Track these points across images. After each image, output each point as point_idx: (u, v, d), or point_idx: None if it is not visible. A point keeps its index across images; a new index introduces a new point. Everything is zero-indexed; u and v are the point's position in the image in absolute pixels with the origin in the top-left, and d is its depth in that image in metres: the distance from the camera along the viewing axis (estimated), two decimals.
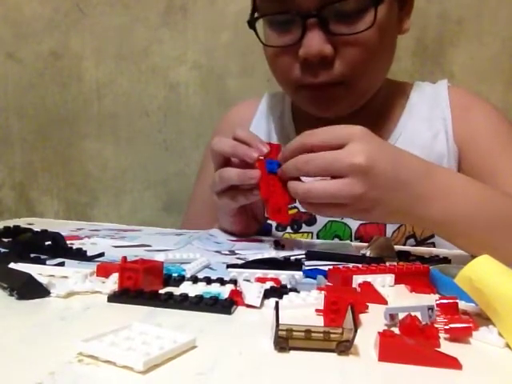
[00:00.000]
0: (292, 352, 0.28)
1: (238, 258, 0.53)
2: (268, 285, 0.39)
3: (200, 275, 0.42)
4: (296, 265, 0.48)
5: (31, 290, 0.37)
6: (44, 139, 1.28)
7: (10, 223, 0.60)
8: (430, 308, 0.32)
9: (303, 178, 0.54)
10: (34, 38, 1.24)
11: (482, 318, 0.34)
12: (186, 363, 0.27)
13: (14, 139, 1.29)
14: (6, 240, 0.54)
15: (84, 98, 1.24)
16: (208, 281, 0.41)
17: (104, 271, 0.42)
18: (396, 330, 0.31)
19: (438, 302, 0.34)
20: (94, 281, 0.40)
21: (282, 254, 0.52)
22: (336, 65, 0.64)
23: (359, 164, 0.49)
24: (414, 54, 1.07)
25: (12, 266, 0.41)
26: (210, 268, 0.48)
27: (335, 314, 0.33)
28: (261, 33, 0.69)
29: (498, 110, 0.75)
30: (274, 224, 0.75)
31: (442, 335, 0.31)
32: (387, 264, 0.47)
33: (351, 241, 0.71)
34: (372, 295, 0.39)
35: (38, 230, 0.56)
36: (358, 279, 0.42)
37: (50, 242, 0.52)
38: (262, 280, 0.41)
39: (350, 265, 0.46)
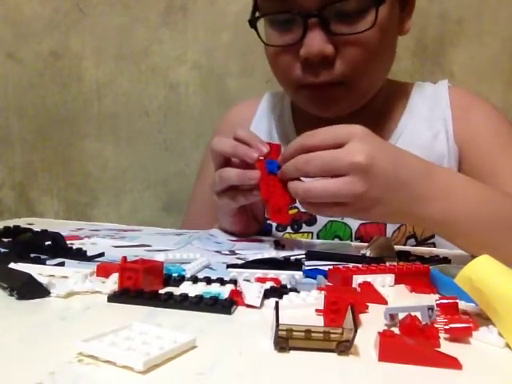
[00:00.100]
0: (292, 352, 0.28)
1: (238, 258, 0.53)
2: (268, 285, 0.39)
3: (200, 275, 0.42)
4: (296, 265, 0.48)
5: (31, 290, 0.37)
6: (44, 139, 1.28)
7: (10, 223, 0.60)
8: (430, 308, 0.32)
9: (303, 179, 0.54)
10: (34, 38, 1.24)
11: (482, 318, 0.34)
12: (185, 363, 0.27)
13: (14, 139, 1.29)
14: (6, 240, 0.54)
15: (84, 97, 1.24)
16: (208, 281, 0.41)
17: (104, 271, 0.42)
18: (396, 330, 0.31)
19: (437, 302, 0.34)
20: (93, 281, 0.40)
21: (281, 254, 0.52)
22: (337, 65, 0.64)
23: (359, 162, 0.49)
24: (414, 54, 1.07)
25: (12, 265, 0.41)
26: (210, 268, 0.48)
27: (335, 314, 0.33)
28: (262, 32, 0.69)
29: (498, 110, 0.75)
30: (274, 224, 0.75)
31: (442, 335, 0.31)
32: (387, 264, 0.47)
33: (351, 241, 0.71)
34: (372, 295, 0.39)
35: (38, 229, 0.56)
36: (358, 279, 0.42)
37: (50, 242, 0.52)
38: (262, 280, 0.41)
39: (350, 265, 0.46)
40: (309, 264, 0.50)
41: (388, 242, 0.57)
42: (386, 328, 0.32)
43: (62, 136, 1.27)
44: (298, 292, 0.39)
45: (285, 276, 0.43)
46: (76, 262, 0.48)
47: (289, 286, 0.40)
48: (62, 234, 0.54)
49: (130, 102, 1.22)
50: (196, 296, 0.36)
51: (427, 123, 0.74)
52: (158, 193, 1.24)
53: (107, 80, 1.22)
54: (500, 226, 0.53)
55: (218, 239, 0.65)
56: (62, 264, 0.47)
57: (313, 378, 0.26)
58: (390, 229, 0.70)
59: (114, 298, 0.37)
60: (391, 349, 0.28)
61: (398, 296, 0.41)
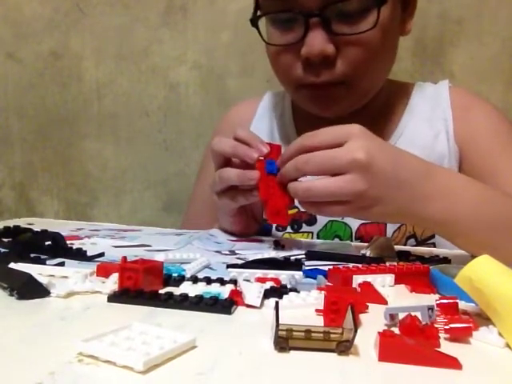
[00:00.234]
0: (292, 352, 0.28)
1: (238, 258, 0.53)
2: (268, 285, 0.39)
3: (200, 275, 0.42)
4: (296, 265, 0.48)
5: (31, 289, 0.37)
6: (44, 139, 1.28)
7: (10, 223, 0.60)
8: (430, 308, 0.32)
9: (302, 179, 0.54)
10: (34, 38, 1.24)
11: (482, 318, 0.34)
12: (185, 363, 0.27)
13: (14, 139, 1.29)
14: (6, 240, 0.54)
15: (84, 97, 1.24)
16: (208, 281, 0.41)
17: (104, 271, 0.42)
18: (396, 330, 0.31)
19: (438, 302, 0.34)
20: (93, 281, 0.40)
21: (281, 254, 0.52)
22: (338, 64, 0.64)
23: (360, 160, 0.49)
24: (414, 54, 1.07)
25: (12, 265, 0.41)
26: (210, 268, 0.48)
27: (335, 314, 0.33)
28: (263, 31, 0.69)
29: (498, 110, 0.75)
30: (274, 224, 0.75)
31: (442, 335, 0.31)
32: (387, 264, 0.47)
33: (351, 241, 0.71)
34: (372, 295, 0.39)
35: (38, 229, 0.56)
36: (358, 279, 0.42)
37: (50, 242, 0.52)
38: (262, 280, 0.41)
39: (350, 265, 0.46)
40: (309, 264, 0.50)
41: (388, 242, 0.57)
42: (385, 328, 0.32)
43: (62, 136, 1.27)
44: (298, 292, 0.39)
45: (285, 276, 0.43)
46: (76, 262, 0.48)
47: (289, 286, 0.40)
48: (62, 233, 0.54)
49: (129, 102, 1.22)
50: (196, 296, 0.36)
51: (428, 123, 0.74)
52: (158, 193, 1.24)
53: (107, 80, 1.22)
54: (500, 226, 0.53)
55: (218, 239, 0.65)
56: (62, 264, 0.47)
57: (313, 378, 0.26)
58: (391, 229, 0.70)
59: (114, 298, 0.37)
60: (391, 349, 0.28)
61: (398, 296, 0.41)
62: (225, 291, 0.38)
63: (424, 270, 0.44)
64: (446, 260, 0.53)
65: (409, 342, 0.29)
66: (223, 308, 0.35)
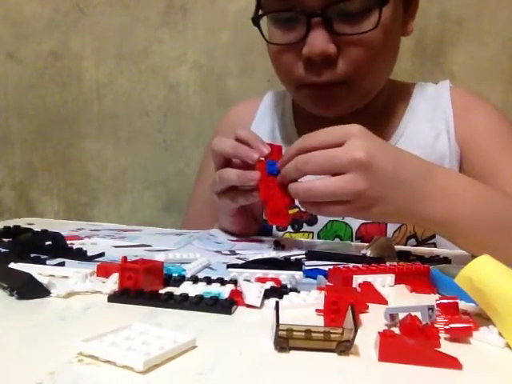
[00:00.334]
0: (292, 352, 0.28)
1: (238, 258, 0.53)
2: (268, 285, 0.39)
3: (200, 275, 0.42)
4: (296, 265, 0.48)
5: (31, 289, 0.37)
6: (44, 139, 1.28)
7: (10, 223, 0.60)
8: (430, 308, 0.32)
9: (302, 179, 0.54)
10: (34, 38, 1.24)
11: (482, 318, 0.34)
12: (185, 363, 0.27)
13: (14, 139, 1.29)
14: (6, 240, 0.54)
15: (84, 97, 1.24)
16: (208, 281, 0.41)
17: (104, 271, 0.42)
18: (396, 330, 0.31)
19: (438, 301, 0.34)
20: (94, 281, 0.40)
21: (282, 254, 0.52)
22: (339, 64, 0.64)
23: (359, 159, 0.49)
24: (414, 54, 1.07)
25: (12, 265, 0.41)
26: (210, 268, 0.48)
27: (335, 313, 0.33)
28: (264, 30, 0.69)
29: (498, 110, 0.75)
30: (274, 225, 0.74)
31: (442, 335, 0.31)
32: (387, 264, 0.47)
33: (352, 241, 0.71)
34: (372, 295, 0.39)
35: (38, 229, 0.56)
36: (358, 279, 0.42)
37: (50, 242, 0.52)
38: (262, 280, 0.41)
39: (351, 265, 0.46)
40: (309, 264, 0.50)
41: (388, 242, 0.57)
42: (386, 328, 0.32)
43: (62, 136, 1.27)
44: (298, 292, 0.39)
45: (285, 276, 0.43)
46: (76, 262, 0.48)
47: (289, 286, 0.40)
48: (62, 233, 0.54)
49: (129, 102, 1.22)
50: (196, 296, 0.36)
51: (429, 123, 0.74)
52: (158, 193, 1.24)
53: (107, 80, 1.22)
54: (500, 226, 0.53)
55: (218, 239, 0.65)
56: (62, 264, 0.47)
57: (313, 378, 0.26)
58: (391, 229, 0.70)
59: (114, 297, 0.37)
60: (391, 349, 0.28)
61: (398, 296, 0.41)
62: (225, 291, 0.38)
63: (424, 269, 0.44)
64: (446, 260, 0.53)
65: (409, 341, 0.29)
66: (223, 308, 0.35)
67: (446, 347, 0.30)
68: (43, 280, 0.37)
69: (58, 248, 0.52)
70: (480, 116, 0.73)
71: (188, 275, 0.43)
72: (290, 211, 0.56)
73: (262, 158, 0.56)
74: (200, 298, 0.35)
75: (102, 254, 0.51)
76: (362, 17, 0.62)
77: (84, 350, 0.27)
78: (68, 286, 0.38)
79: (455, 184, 0.53)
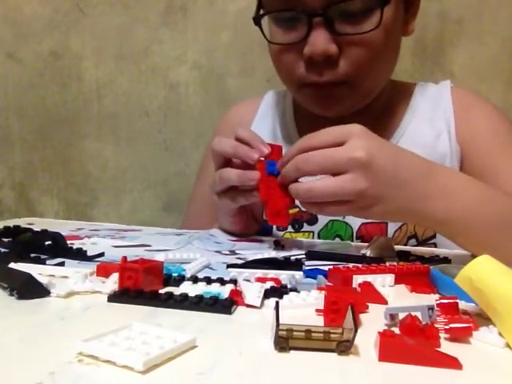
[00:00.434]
0: (292, 352, 0.28)
1: (238, 258, 0.53)
2: (268, 285, 0.39)
3: (200, 275, 0.42)
4: (296, 265, 0.48)
5: (31, 289, 0.37)
6: (44, 139, 1.28)
7: (10, 223, 0.60)
8: (430, 308, 0.32)
9: (303, 179, 0.54)
10: (34, 38, 1.24)
11: (482, 318, 0.34)
12: (186, 363, 0.27)
13: (14, 139, 1.29)
14: (6, 240, 0.54)
15: (84, 97, 1.24)
16: (208, 281, 0.41)
17: (104, 271, 0.42)
18: (396, 330, 0.31)
19: (438, 301, 0.34)
20: (94, 281, 0.40)
21: (282, 254, 0.52)
22: (341, 64, 0.64)
23: (359, 158, 0.49)
24: (414, 54, 1.07)
25: (12, 265, 0.41)
26: (210, 268, 0.48)
27: (335, 313, 0.33)
28: (265, 30, 0.68)
29: (499, 110, 0.75)
30: (274, 225, 0.74)
31: (442, 335, 0.31)
32: (387, 264, 0.47)
33: (352, 240, 0.71)
34: (372, 295, 0.39)
35: (38, 229, 0.56)
36: (358, 279, 0.42)
37: (50, 242, 0.52)
38: (262, 280, 0.41)
39: (350, 265, 0.46)
40: (309, 264, 0.50)
41: (388, 241, 0.57)
42: (386, 328, 0.32)
43: (62, 136, 1.26)
44: (298, 292, 0.39)
45: (285, 276, 0.43)
46: (76, 262, 0.48)
47: (289, 286, 0.40)
48: (62, 233, 0.54)
49: (129, 102, 1.22)
50: (196, 296, 0.36)
51: (429, 123, 0.74)
52: (158, 193, 1.24)
53: (107, 80, 1.22)
54: (501, 226, 0.53)
55: (218, 239, 0.65)
56: (62, 264, 0.47)
57: (313, 378, 0.26)
58: (392, 228, 0.70)
59: (114, 297, 0.37)
60: (391, 349, 0.28)
61: (398, 296, 0.41)
62: (225, 291, 0.38)
63: (424, 269, 0.44)
64: (446, 260, 0.53)
65: (409, 341, 0.29)
66: (223, 308, 0.35)
67: (446, 347, 0.30)
68: (43, 280, 0.37)
69: (57, 248, 0.52)
70: (481, 116, 0.73)
71: (188, 275, 0.43)
72: (291, 211, 0.56)
73: (262, 158, 0.56)
74: (200, 297, 0.35)
75: (101, 254, 0.51)
76: (363, 17, 0.62)
77: (84, 349, 0.27)
78: (68, 285, 0.38)
79: (456, 183, 0.53)
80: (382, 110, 0.75)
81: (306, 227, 0.74)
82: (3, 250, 0.50)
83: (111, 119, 1.23)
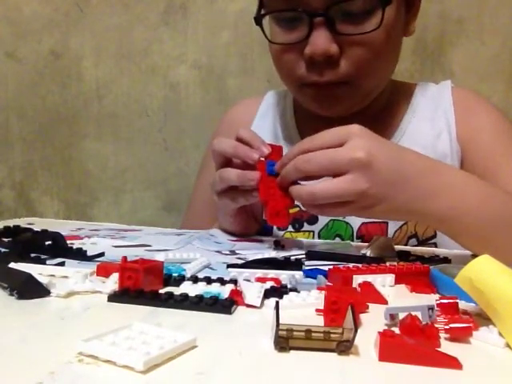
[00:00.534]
0: (292, 352, 0.28)
1: (238, 258, 0.53)
2: (268, 285, 0.39)
3: (200, 275, 0.42)
4: (296, 265, 0.48)
5: (31, 289, 0.37)
6: (44, 139, 1.28)
7: (10, 223, 0.60)
8: (431, 308, 0.32)
9: (303, 183, 0.54)
10: (34, 38, 1.24)
11: (482, 318, 0.34)
12: (186, 363, 0.27)
13: (14, 139, 1.29)
14: (6, 240, 0.54)
15: (84, 97, 1.24)
16: (208, 281, 0.41)
17: (104, 271, 0.42)
18: (396, 330, 0.31)
19: (438, 301, 0.34)
20: (94, 281, 0.40)
21: (282, 254, 0.52)
22: (341, 64, 0.64)
23: (360, 158, 0.49)
24: (414, 54, 1.07)
25: (12, 265, 0.41)
26: (210, 268, 0.48)
27: (335, 313, 0.33)
28: (266, 29, 0.68)
29: (499, 110, 0.75)
30: (273, 225, 0.74)
31: (442, 335, 0.31)
32: (387, 264, 0.47)
33: (353, 240, 0.71)
34: (372, 295, 0.39)
35: (38, 229, 0.56)
36: (358, 279, 0.42)
37: (50, 242, 0.52)
38: (262, 280, 0.41)
39: (351, 265, 0.46)
40: (309, 264, 0.50)
41: (388, 241, 0.57)
42: (386, 328, 0.32)
43: (62, 136, 1.26)
44: (299, 292, 0.39)
45: (285, 276, 0.43)
46: (76, 262, 0.48)
47: (289, 286, 0.40)
48: (62, 233, 0.54)
49: (129, 102, 1.22)
50: (196, 296, 0.36)
51: (430, 123, 0.74)
52: (158, 192, 1.24)
53: (107, 80, 1.22)
54: (501, 224, 0.53)
55: (218, 239, 0.65)
56: (62, 264, 0.47)
57: (313, 378, 0.26)
58: (392, 228, 0.70)
59: (114, 297, 0.37)
60: (391, 349, 0.28)
61: (398, 296, 0.41)
62: (225, 291, 0.38)
63: (424, 269, 0.44)
64: (446, 260, 0.53)
65: (409, 341, 0.29)
66: (223, 308, 0.35)
67: (446, 347, 0.30)
68: (43, 280, 0.37)
69: (57, 248, 0.52)
70: (481, 116, 0.73)
71: (188, 275, 0.43)
72: (291, 210, 0.56)
73: (263, 159, 0.56)
74: (200, 297, 0.35)
75: (101, 254, 0.51)
76: (364, 17, 0.62)
77: (84, 349, 0.27)
78: (68, 285, 0.38)
79: (458, 180, 0.53)
80: (383, 110, 0.75)
81: (306, 227, 0.74)
82: (3, 249, 0.50)
83: (111, 119, 1.23)
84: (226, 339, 0.31)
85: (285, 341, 0.28)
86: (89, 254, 0.50)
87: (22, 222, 0.66)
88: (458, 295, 0.35)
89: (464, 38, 1.05)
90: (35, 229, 0.56)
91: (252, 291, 0.37)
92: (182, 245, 0.60)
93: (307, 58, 0.63)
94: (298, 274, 0.44)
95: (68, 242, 0.54)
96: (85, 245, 0.56)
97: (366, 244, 0.57)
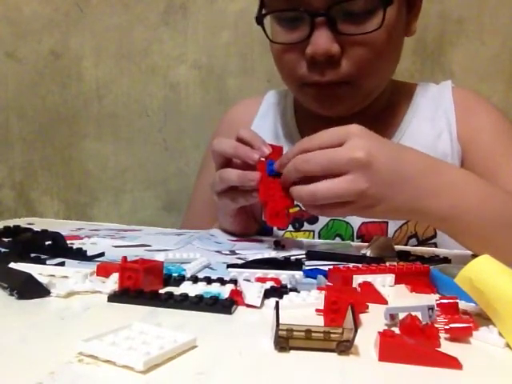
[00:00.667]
0: (292, 352, 0.28)
1: (238, 258, 0.53)
2: (268, 285, 0.39)
3: (200, 275, 0.42)
4: (296, 265, 0.48)
5: (31, 289, 0.37)
6: (44, 139, 1.28)
7: (10, 223, 0.60)
8: (430, 308, 0.32)
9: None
10: (34, 38, 1.24)
11: (482, 318, 0.34)
12: (186, 363, 0.27)
13: (14, 139, 1.29)
14: (6, 240, 0.54)
15: (84, 97, 1.24)
16: (208, 281, 0.41)
17: (104, 271, 0.42)
18: (396, 330, 0.31)
19: (438, 301, 0.34)
20: (94, 281, 0.40)
21: (282, 254, 0.52)
22: (343, 64, 0.64)
23: (359, 158, 0.49)
24: (414, 54, 1.07)
25: (12, 265, 0.41)
26: (210, 268, 0.48)
27: (335, 313, 0.33)
28: (267, 29, 0.68)
29: (499, 110, 0.75)
30: (273, 226, 0.74)
31: (442, 335, 0.31)
32: (387, 264, 0.47)
33: (353, 240, 0.71)
34: (372, 295, 0.39)
35: (38, 229, 0.56)
36: (358, 279, 0.42)
37: (50, 242, 0.52)
38: (262, 280, 0.41)
39: (351, 265, 0.46)
40: (309, 264, 0.50)
41: (388, 241, 0.57)
42: (386, 328, 0.32)
43: (62, 136, 1.26)
44: (299, 292, 0.39)
45: (285, 276, 0.43)
46: (76, 262, 0.48)
47: (289, 286, 0.40)
48: (62, 233, 0.54)
49: (129, 102, 1.22)
50: (196, 296, 0.36)
51: (430, 123, 0.74)
52: (158, 192, 1.24)
53: (107, 80, 1.22)
54: (501, 224, 0.53)
55: (218, 239, 0.65)
56: (62, 264, 0.47)
57: (313, 378, 0.26)
58: (392, 228, 0.70)
59: (114, 297, 0.37)
60: (391, 349, 0.28)
61: (398, 296, 0.41)
62: (225, 291, 0.38)
63: (424, 269, 0.44)
64: (446, 260, 0.53)
65: (409, 341, 0.29)
66: (223, 308, 0.35)
67: (446, 347, 0.30)
68: (43, 280, 0.37)
69: (57, 248, 0.52)
70: (482, 116, 0.73)
71: (188, 275, 0.43)
72: (291, 210, 0.56)
73: (263, 159, 0.56)
74: (200, 297, 0.35)
75: (101, 254, 0.51)
76: (366, 17, 0.62)
77: (84, 349, 0.27)
78: (68, 285, 0.38)
79: (458, 179, 0.53)
80: (383, 110, 0.75)
81: (306, 226, 0.74)
82: (3, 249, 0.50)
83: (111, 119, 1.23)
84: (225, 339, 0.31)
85: (285, 341, 0.28)
86: (89, 253, 0.50)
87: (22, 222, 0.66)
88: (458, 295, 0.35)
89: (464, 37, 1.05)
90: (35, 229, 0.56)
91: (252, 291, 0.37)
92: (182, 245, 0.60)
93: (308, 57, 0.63)
94: (298, 274, 0.44)
95: (68, 241, 0.54)
96: (85, 245, 0.56)
97: (366, 244, 0.57)
